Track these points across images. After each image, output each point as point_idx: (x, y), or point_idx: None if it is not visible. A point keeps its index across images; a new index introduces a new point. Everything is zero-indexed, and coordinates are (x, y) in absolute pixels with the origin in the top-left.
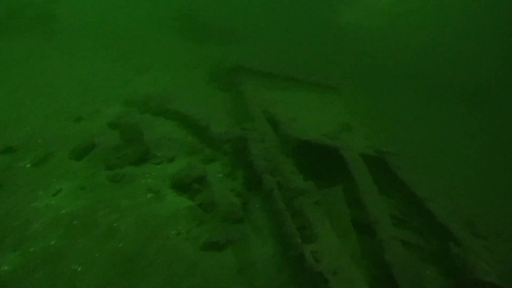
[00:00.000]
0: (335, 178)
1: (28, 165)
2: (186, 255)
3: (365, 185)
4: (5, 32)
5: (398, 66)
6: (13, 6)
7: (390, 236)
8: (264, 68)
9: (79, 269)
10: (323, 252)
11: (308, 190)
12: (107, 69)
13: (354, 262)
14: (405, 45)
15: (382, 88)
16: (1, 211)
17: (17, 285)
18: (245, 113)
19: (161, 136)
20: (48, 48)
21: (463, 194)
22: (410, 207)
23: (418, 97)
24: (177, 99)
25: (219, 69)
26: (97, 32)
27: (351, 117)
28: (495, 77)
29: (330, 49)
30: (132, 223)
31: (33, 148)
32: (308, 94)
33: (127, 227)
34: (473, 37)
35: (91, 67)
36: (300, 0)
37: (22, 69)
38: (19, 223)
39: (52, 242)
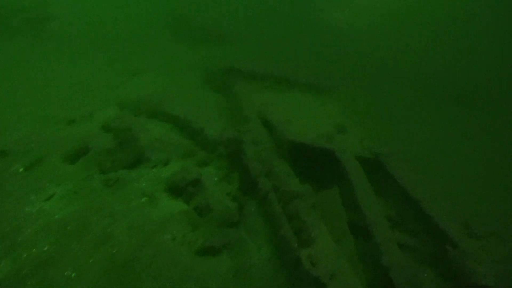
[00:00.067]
0: (331, 181)
1: (21, 169)
2: (181, 260)
3: (361, 187)
4: None
5: (394, 66)
6: (3, 9)
7: (387, 239)
8: (258, 69)
9: (72, 275)
10: (319, 256)
11: (304, 193)
12: (101, 71)
13: (351, 265)
14: (402, 45)
15: (379, 89)
16: None
17: None
18: (239, 115)
19: (155, 139)
20: (40, 51)
21: (462, 194)
22: (407, 209)
23: (416, 98)
24: (171, 102)
25: (214, 71)
26: (90, 34)
27: (346, 119)
28: (494, 78)
29: (324, 50)
30: (126, 228)
31: (25, 152)
32: (302, 95)
33: (121, 232)
34: (473, 37)
35: (84, 70)
36: (293, 2)
37: (13, 73)
38: (10, 229)
39: (45, 248)
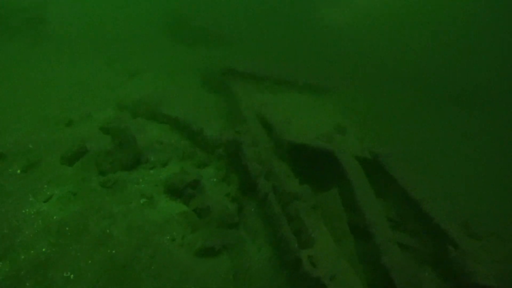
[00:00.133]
0: (331, 181)
1: (19, 171)
2: (180, 260)
3: (361, 187)
4: None
5: (394, 66)
6: (3, 9)
7: (387, 239)
8: (256, 70)
9: (71, 276)
10: (320, 257)
11: (304, 194)
12: (100, 72)
13: (352, 266)
14: (402, 45)
15: (379, 89)
16: None
17: None
18: (238, 116)
19: (154, 140)
20: (39, 52)
21: (462, 195)
22: (407, 209)
23: (416, 98)
24: (170, 103)
25: (212, 72)
26: (88, 35)
27: (346, 119)
28: (494, 78)
29: (324, 50)
30: (126, 229)
31: (24, 153)
32: (301, 96)
33: (120, 233)
34: (473, 37)
35: (84, 70)
36: (293, 2)
37: (13, 73)
38: (9, 230)
39: (44, 250)
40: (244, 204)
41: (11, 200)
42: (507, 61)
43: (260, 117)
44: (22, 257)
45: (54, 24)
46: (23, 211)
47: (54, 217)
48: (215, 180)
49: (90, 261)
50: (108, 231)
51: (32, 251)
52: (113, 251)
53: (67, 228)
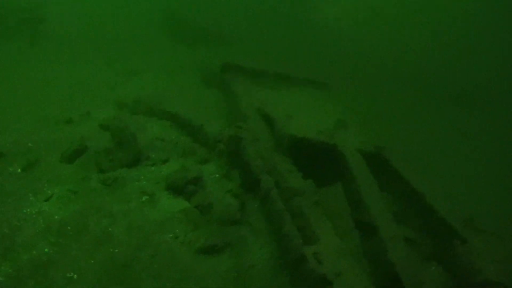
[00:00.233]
0: (334, 177)
1: (19, 170)
2: (181, 259)
3: (365, 182)
4: None
5: (394, 66)
6: (2, 9)
7: (392, 234)
8: (256, 67)
9: (73, 276)
10: (325, 253)
11: (307, 190)
12: (100, 71)
13: (356, 262)
14: (402, 45)
15: (379, 89)
16: None
17: None
18: (238, 112)
19: (154, 138)
20: (38, 51)
21: (462, 194)
22: (411, 203)
23: (416, 98)
24: (170, 100)
25: (211, 69)
26: (88, 35)
27: (346, 118)
28: (494, 78)
29: (324, 50)
30: (126, 227)
31: (23, 152)
32: (302, 92)
33: (121, 232)
34: (473, 37)
35: (84, 70)
36: (293, 2)
37: (11, 74)
38: (9, 230)
39: (45, 249)
40: (246, 200)
41: (12, 199)
42: (507, 61)
43: (261, 113)
44: (24, 257)
45: (54, 24)
46: (24, 211)
47: (55, 217)
48: (217, 176)
49: (92, 261)
50: (109, 230)
51: (33, 251)
52: (114, 250)
53: (67, 228)
